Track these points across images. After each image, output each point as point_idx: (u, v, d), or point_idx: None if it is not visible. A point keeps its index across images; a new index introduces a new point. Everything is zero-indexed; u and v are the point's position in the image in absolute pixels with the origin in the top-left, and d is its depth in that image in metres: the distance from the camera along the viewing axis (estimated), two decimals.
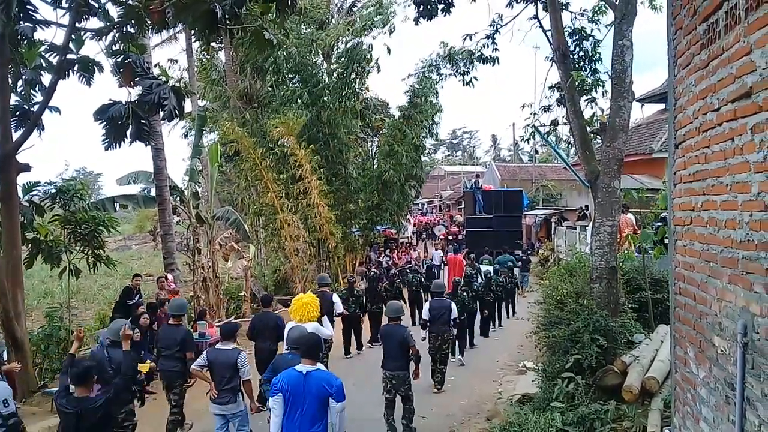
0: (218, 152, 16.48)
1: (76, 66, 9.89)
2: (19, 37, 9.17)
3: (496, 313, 14.74)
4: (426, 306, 9.94)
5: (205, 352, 6.73)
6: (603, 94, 10.49)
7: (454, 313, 9.45)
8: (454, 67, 13.14)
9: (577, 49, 10.81)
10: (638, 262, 10.00)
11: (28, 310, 12.34)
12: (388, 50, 30.00)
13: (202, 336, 10.72)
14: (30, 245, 11.19)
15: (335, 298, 10.16)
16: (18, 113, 10.26)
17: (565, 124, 11.07)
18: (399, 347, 7.31)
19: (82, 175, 62.05)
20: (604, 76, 10.47)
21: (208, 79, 23.27)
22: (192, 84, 20.90)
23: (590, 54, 10.91)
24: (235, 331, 6.68)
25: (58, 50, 9.43)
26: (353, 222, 21.84)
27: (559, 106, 11.44)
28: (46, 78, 10.19)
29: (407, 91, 21.86)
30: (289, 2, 8.33)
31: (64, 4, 9.18)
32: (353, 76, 21.01)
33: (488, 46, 11.85)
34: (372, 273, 14.95)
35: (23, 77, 10.30)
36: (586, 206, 21.48)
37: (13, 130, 9.65)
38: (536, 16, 10.39)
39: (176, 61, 27.48)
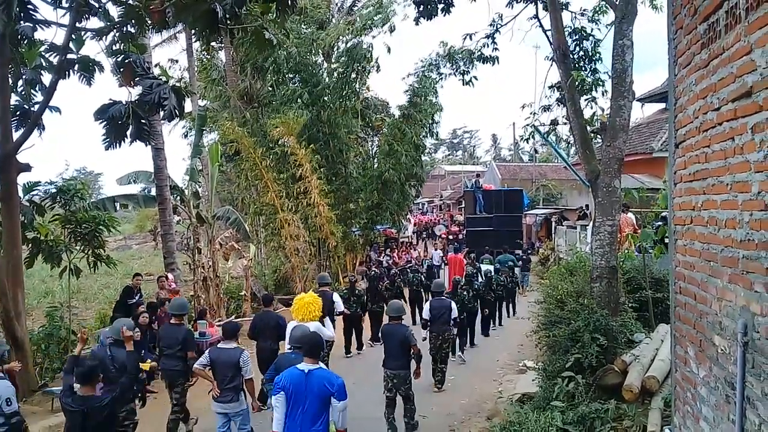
0: (219, 152, 16.49)
1: (77, 66, 9.90)
2: (19, 36, 9.17)
3: (497, 313, 14.76)
4: (426, 306, 9.95)
5: (207, 351, 6.75)
6: (603, 94, 10.49)
7: (455, 313, 9.46)
8: (454, 67, 13.14)
9: (577, 48, 10.81)
10: (638, 262, 10.00)
11: (28, 310, 12.35)
12: (388, 50, 30.07)
13: (202, 335, 10.74)
14: (30, 245, 11.20)
15: (336, 297, 10.17)
16: (18, 113, 10.27)
17: (565, 123, 11.07)
18: (400, 346, 7.33)
19: (83, 175, 62.08)
20: (604, 76, 10.48)
21: (208, 78, 23.29)
22: (192, 84, 20.90)
23: (590, 54, 10.90)
24: (237, 331, 6.70)
25: (59, 50, 9.44)
26: (353, 221, 21.85)
27: (559, 105, 11.44)
28: (47, 78, 10.20)
29: (407, 91, 21.89)
30: (290, 2, 8.33)
31: (65, 4, 9.19)
32: (353, 75, 21.03)
33: (488, 46, 11.85)
34: (372, 272, 14.96)
35: (23, 77, 10.31)
36: (587, 206, 21.50)
37: (13, 130, 9.66)
38: (536, 16, 10.39)
39: (176, 61, 27.51)
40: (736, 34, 2.82)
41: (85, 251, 11.72)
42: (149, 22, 8.53)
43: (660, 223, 9.90)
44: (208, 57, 23.09)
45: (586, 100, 10.29)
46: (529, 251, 24.08)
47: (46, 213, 11.56)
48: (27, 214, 10.77)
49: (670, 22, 4.03)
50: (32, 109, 10.35)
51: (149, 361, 7.53)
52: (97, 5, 9.26)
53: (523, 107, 12.26)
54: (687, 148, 3.69)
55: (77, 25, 9.17)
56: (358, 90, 22.11)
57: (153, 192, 16.33)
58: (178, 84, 10.33)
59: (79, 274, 12.01)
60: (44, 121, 10.18)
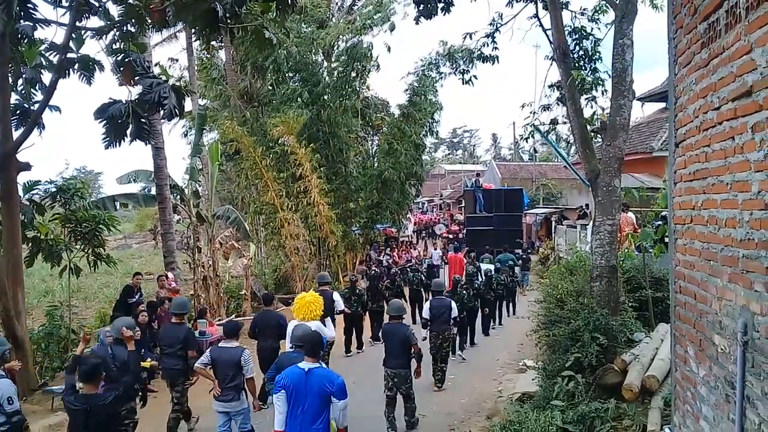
0: (219, 151, 16.48)
1: (77, 65, 9.89)
2: (19, 35, 9.16)
3: (497, 312, 14.77)
4: (426, 305, 9.96)
5: (208, 350, 6.76)
6: (603, 93, 10.48)
7: (455, 312, 9.47)
8: (454, 66, 13.13)
9: (577, 48, 10.80)
10: (638, 261, 10.01)
11: (28, 309, 12.35)
12: (389, 49, 30.05)
13: (202, 334, 10.73)
14: (30, 244, 11.20)
15: (336, 296, 10.18)
16: (18, 112, 10.26)
17: (565, 122, 11.07)
18: (401, 345, 7.36)
19: (83, 174, 62.11)
20: (604, 75, 10.46)
21: (208, 77, 23.29)
22: (192, 83, 20.89)
23: (590, 53, 10.89)
24: (238, 330, 6.72)
25: (59, 49, 9.43)
26: (353, 221, 21.87)
27: (558, 105, 11.44)
28: (47, 77, 10.20)
29: (407, 90, 21.90)
30: (290, 1, 8.33)
31: (65, 3, 9.18)
32: (353, 74, 21.03)
33: (488, 45, 11.83)
34: (373, 271, 14.95)
35: (23, 76, 10.31)
36: (587, 205, 21.49)
37: (13, 129, 9.66)
38: (536, 15, 10.38)
39: (176, 60, 27.54)
40: (736, 34, 2.82)
41: (85, 250, 11.73)
42: (149, 21, 8.53)
43: (660, 222, 9.90)
44: (208, 56, 23.10)
45: (586, 99, 10.28)
46: (529, 250, 24.09)
47: (46, 212, 11.56)
48: (27, 213, 10.78)
49: (670, 22, 4.03)
50: (32, 108, 10.35)
51: (149, 359, 7.54)
52: (97, 4, 9.25)
53: (523, 106, 12.29)
54: (687, 147, 3.69)
55: (77, 24, 9.17)
56: (358, 89, 22.11)
57: (153, 191, 16.34)
58: (178, 83, 10.32)
59: (79, 273, 12.01)
60: (44, 120, 10.18)
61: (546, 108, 11.62)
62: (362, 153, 25.30)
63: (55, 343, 11.00)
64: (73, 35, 9.32)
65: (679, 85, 3.87)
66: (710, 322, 3.31)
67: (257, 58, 19.93)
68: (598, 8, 11.03)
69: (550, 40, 9.34)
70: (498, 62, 11.97)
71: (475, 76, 12.71)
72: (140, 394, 6.97)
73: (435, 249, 24.36)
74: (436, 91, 22.27)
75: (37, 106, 10.07)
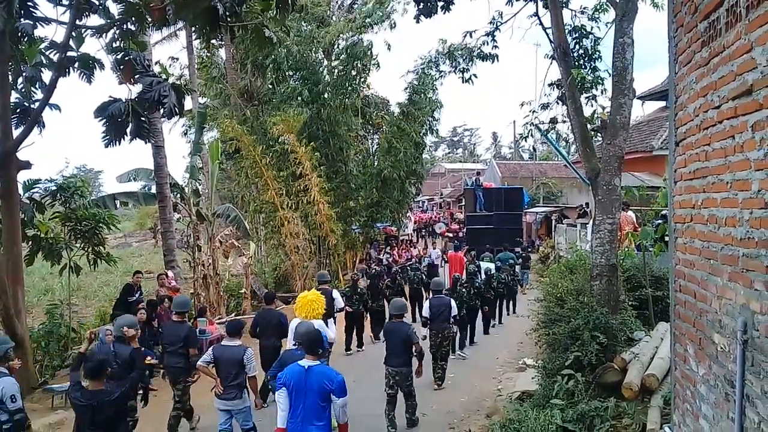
0: (219, 149, 16.50)
1: (77, 63, 9.91)
2: (19, 34, 9.18)
3: (497, 310, 14.77)
4: (426, 304, 9.97)
5: (211, 348, 6.77)
6: (602, 92, 10.47)
7: (454, 311, 9.48)
8: (454, 64, 13.10)
9: (577, 47, 10.78)
10: (638, 260, 9.99)
11: (28, 307, 12.36)
12: (388, 47, 29.98)
13: (202, 333, 10.73)
14: (30, 242, 11.21)
15: (336, 294, 10.17)
16: (18, 110, 10.28)
17: (565, 121, 11.05)
18: (402, 344, 7.39)
19: (83, 173, 62.01)
20: (604, 74, 10.45)
21: (208, 76, 23.28)
22: (192, 81, 20.90)
23: (590, 52, 10.88)
24: (241, 329, 6.74)
25: (59, 47, 9.44)
26: (353, 219, 21.87)
27: (558, 103, 11.42)
28: (47, 75, 10.23)
29: (406, 88, 21.87)
30: (289, 0, 8.33)
31: (65, 2, 9.20)
32: (353, 73, 21.02)
33: (488, 44, 11.82)
34: (373, 270, 14.95)
35: (24, 74, 10.32)
36: (587, 204, 21.47)
37: (13, 128, 9.67)
38: (536, 14, 10.36)
39: (177, 59, 27.52)
40: (737, 32, 2.82)
41: (85, 249, 11.74)
42: (149, 19, 8.54)
43: (660, 221, 9.89)
44: (209, 54, 23.08)
45: (586, 97, 10.27)
46: (529, 249, 24.07)
47: (47, 210, 11.57)
48: (27, 212, 10.79)
49: (671, 20, 4.03)
50: (32, 106, 10.36)
51: (148, 357, 7.56)
52: (97, 2, 9.27)
53: (522, 105, 12.24)
54: (687, 146, 3.69)
55: (77, 22, 9.18)
56: (358, 87, 22.10)
57: (153, 189, 16.37)
58: (178, 81, 10.35)
59: (79, 271, 12.03)
60: (44, 119, 10.20)
61: (545, 107, 11.60)
62: (362, 151, 25.31)
63: (55, 341, 11.02)
64: (73, 33, 9.33)
65: (680, 83, 3.87)
66: (710, 320, 3.32)
67: (257, 56, 19.93)
68: (598, 7, 11.01)
69: (550, 39, 9.33)
70: (498, 61, 11.95)
71: (474, 75, 12.69)
72: (142, 392, 6.99)
73: (434, 248, 24.33)
74: (436, 89, 22.28)
75: (37, 104, 10.08)
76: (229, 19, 8.02)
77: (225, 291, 16.28)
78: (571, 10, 11.17)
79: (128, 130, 9.75)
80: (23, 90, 10.46)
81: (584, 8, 11.19)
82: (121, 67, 9.63)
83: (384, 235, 25.88)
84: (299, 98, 19.87)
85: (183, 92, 10.15)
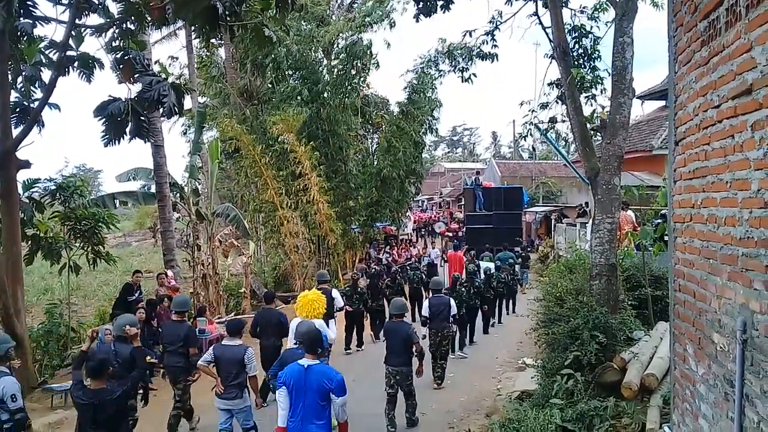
0: (218, 149, 16.49)
1: (76, 63, 9.91)
2: (19, 33, 9.17)
3: (497, 310, 14.77)
4: (425, 303, 9.97)
5: (212, 347, 6.78)
6: (602, 92, 10.47)
7: (454, 310, 9.49)
8: (453, 63, 13.09)
9: (577, 46, 10.78)
10: (638, 259, 10.00)
11: (27, 307, 12.36)
12: (388, 45, 29.84)
13: (201, 332, 10.72)
14: (30, 242, 11.21)
15: (335, 293, 10.17)
16: (18, 110, 10.27)
17: (564, 121, 11.04)
18: (403, 343, 7.41)
19: (82, 172, 61.92)
20: (604, 73, 10.45)
21: (208, 75, 23.26)
22: (192, 81, 20.88)
23: (590, 51, 10.88)
24: (241, 328, 6.75)
25: (58, 47, 9.43)
26: (353, 219, 21.87)
27: (558, 103, 11.41)
28: (46, 74, 10.22)
29: (406, 87, 21.86)
30: None
31: (64, 1, 9.19)
32: (353, 72, 21.01)
33: (487, 43, 11.81)
34: (373, 270, 14.96)
35: (23, 74, 10.31)
36: (586, 203, 21.47)
37: (13, 127, 9.66)
38: (536, 13, 10.35)
39: (176, 58, 27.52)
40: (737, 32, 2.82)
41: (85, 248, 11.73)
42: (149, 18, 8.54)
43: (659, 220, 9.90)
44: (208, 54, 23.07)
45: (585, 97, 10.27)
46: (528, 248, 24.08)
47: (46, 210, 11.56)
48: (27, 211, 10.78)
49: (671, 20, 4.03)
50: (32, 105, 10.35)
51: (148, 357, 7.56)
52: (96, 2, 9.27)
53: (522, 104, 12.20)
54: (687, 145, 3.69)
55: (77, 21, 9.17)
56: (357, 87, 22.09)
57: (152, 189, 16.35)
58: (177, 81, 10.35)
59: (78, 271, 12.02)
60: (44, 118, 10.20)
61: (545, 106, 11.59)
62: (362, 151, 25.30)
63: (54, 341, 11.02)
64: (73, 33, 9.33)
65: (679, 83, 3.86)
66: (709, 320, 3.32)
67: (257, 55, 19.92)
68: (598, 6, 11.01)
69: (549, 38, 9.32)
70: (497, 60, 11.94)
71: (474, 74, 12.68)
72: (142, 392, 6.99)
73: (433, 248, 24.31)
74: (435, 88, 22.28)
75: (36, 103, 10.08)
76: (228, 19, 8.01)
77: (224, 290, 16.29)
78: (571, 9, 11.17)
79: (128, 130, 9.75)
80: (23, 89, 10.46)
81: (584, 8, 11.20)
82: (121, 66, 9.63)
83: (383, 235, 25.87)
84: (299, 97, 19.87)
85: (182, 91, 10.15)
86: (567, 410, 6.20)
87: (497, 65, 12.08)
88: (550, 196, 33.92)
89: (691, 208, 3.63)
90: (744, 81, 2.74)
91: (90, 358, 5.10)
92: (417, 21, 10.79)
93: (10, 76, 9.62)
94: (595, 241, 8.07)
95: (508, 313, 15.73)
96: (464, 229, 27.55)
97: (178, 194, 15.96)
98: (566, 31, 9.70)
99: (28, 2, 8.87)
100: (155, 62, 15.03)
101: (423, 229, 37.78)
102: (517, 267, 18.14)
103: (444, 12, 10.60)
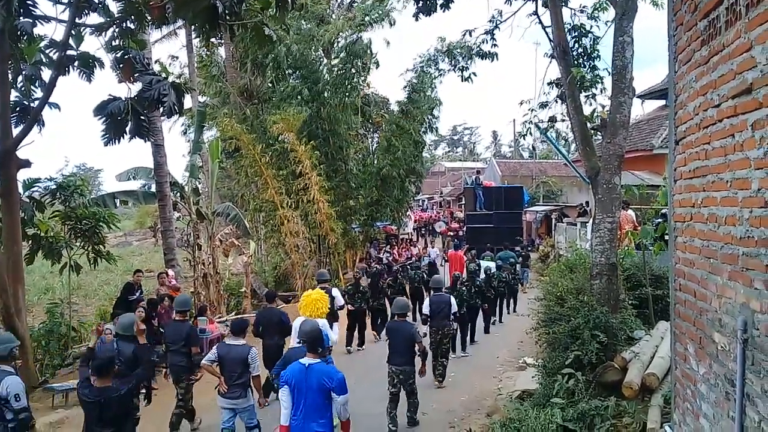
0: (219, 148, 16.49)
1: (76, 62, 9.90)
2: (19, 32, 9.17)
3: (497, 309, 14.77)
4: (426, 301, 10.00)
5: (215, 347, 6.79)
6: (602, 91, 10.46)
7: (454, 308, 9.52)
8: (453, 63, 13.08)
9: (577, 45, 10.77)
10: (638, 259, 9.99)
11: (28, 306, 12.37)
12: (387, 43, 29.78)
13: (202, 332, 10.70)
14: (30, 241, 11.21)
15: (335, 292, 10.16)
16: (18, 109, 10.27)
17: (564, 120, 11.04)
18: (405, 343, 7.44)
19: (82, 171, 61.99)
20: (603, 73, 10.44)
21: (208, 75, 23.25)
22: (192, 80, 20.89)
23: (589, 51, 10.86)
24: (245, 328, 6.77)
25: (58, 46, 9.43)
26: (353, 218, 21.86)
27: (557, 102, 11.40)
28: (46, 74, 10.22)
29: (406, 87, 21.85)
30: None
31: (64, 0, 9.18)
32: (353, 71, 21.00)
33: (487, 42, 11.80)
34: (374, 269, 14.96)
35: (23, 73, 10.31)
36: (587, 202, 21.46)
37: (13, 126, 9.66)
38: (536, 13, 10.35)
39: (177, 58, 27.54)
40: (737, 31, 2.81)
41: (85, 248, 11.74)
42: (149, 18, 8.53)
43: (660, 220, 9.88)
44: (208, 53, 23.06)
45: (585, 96, 10.26)
46: (529, 248, 24.06)
47: (46, 209, 11.57)
48: (27, 211, 10.78)
49: (671, 19, 4.03)
50: (32, 105, 10.35)
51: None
52: (96, 1, 9.26)
53: (522, 103, 12.19)
54: (687, 144, 3.69)
55: (77, 20, 9.17)
56: (358, 86, 22.09)
57: (153, 188, 16.36)
58: (177, 80, 10.36)
59: (79, 270, 12.03)
60: (44, 118, 10.19)
61: (545, 105, 11.58)
62: (362, 150, 25.28)
63: (55, 340, 11.03)
64: (73, 32, 9.32)
65: (680, 82, 3.86)
66: (710, 319, 3.31)
67: (257, 55, 19.91)
68: (598, 5, 10.99)
69: (549, 38, 9.32)
70: (497, 59, 11.93)
71: (474, 73, 12.66)
72: (144, 391, 7.00)
73: (433, 247, 24.31)
74: (435, 87, 22.29)
75: (36, 103, 10.08)
76: (228, 18, 8.02)
77: (225, 290, 16.28)
78: (571, 8, 11.15)
79: (128, 129, 9.75)
80: (23, 89, 10.46)
81: (584, 7, 11.17)
82: (121, 65, 9.62)
83: (384, 234, 25.88)
84: (299, 97, 19.85)
85: (183, 91, 10.15)
86: (568, 410, 6.20)
87: (497, 64, 12.10)
88: (550, 195, 33.90)
89: (691, 207, 3.63)
90: (744, 80, 2.73)
91: (96, 356, 5.12)
92: (417, 20, 10.79)
93: (10, 76, 9.62)
94: (596, 240, 8.06)
95: (508, 313, 15.73)
96: (465, 228, 27.55)
97: (178, 193, 15.96)
98: (566, 30, 9.69)
99: (28, 1, 8.87)
100: (155, 61, 15.03)
101: (423, 229, 37.77)
102: (517, 266, 18.13)
103: (444, 11, 10.60)
